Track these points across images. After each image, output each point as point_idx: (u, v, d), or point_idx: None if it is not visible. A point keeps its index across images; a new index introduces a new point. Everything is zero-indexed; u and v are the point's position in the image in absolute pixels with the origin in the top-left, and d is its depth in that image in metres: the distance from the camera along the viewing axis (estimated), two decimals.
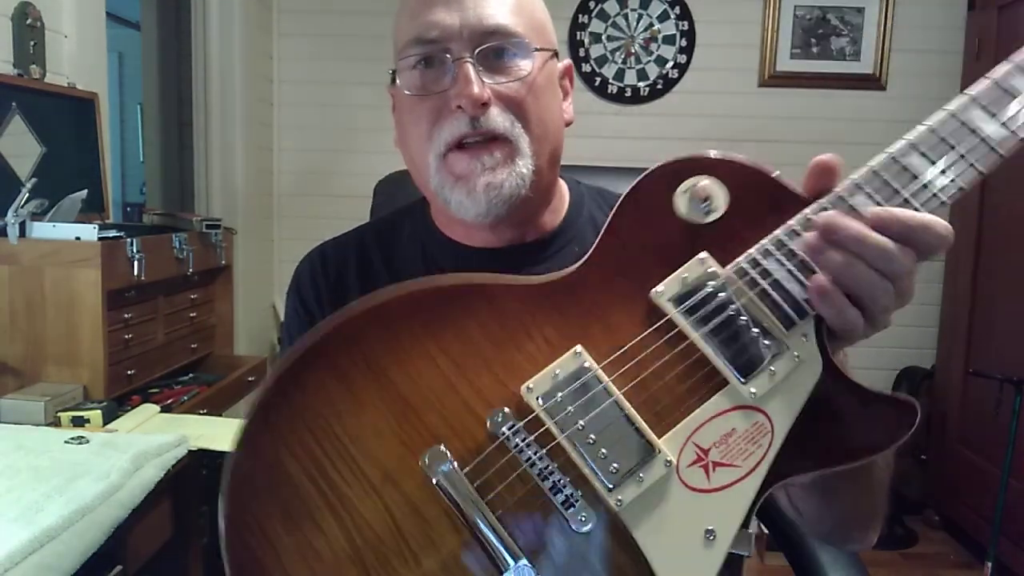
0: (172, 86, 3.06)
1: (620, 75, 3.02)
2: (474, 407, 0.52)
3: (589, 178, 0.95)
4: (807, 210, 0.55)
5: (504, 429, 0.51)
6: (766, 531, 0.95)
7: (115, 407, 1.50)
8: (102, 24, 2.03)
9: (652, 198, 0.58)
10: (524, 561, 0.49)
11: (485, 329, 0.55)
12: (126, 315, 1.61)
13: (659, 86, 3.01)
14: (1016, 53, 0.56)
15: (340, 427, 0.52)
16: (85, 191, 1.68)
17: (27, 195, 1.51)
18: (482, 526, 0.49)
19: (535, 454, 0.51)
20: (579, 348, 0.54)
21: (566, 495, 0.50)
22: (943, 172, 0.54)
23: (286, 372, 0.53)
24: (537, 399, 0.52)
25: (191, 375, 1.93)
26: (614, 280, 0.56)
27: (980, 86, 0.56)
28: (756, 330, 0.53)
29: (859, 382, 0.53)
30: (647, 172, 0.59)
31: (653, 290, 0.55)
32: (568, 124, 0.84)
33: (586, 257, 0.59)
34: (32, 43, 1.73)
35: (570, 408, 0.52)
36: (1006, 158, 0.55)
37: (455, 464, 0.51)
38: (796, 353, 0.52)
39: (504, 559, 0.49)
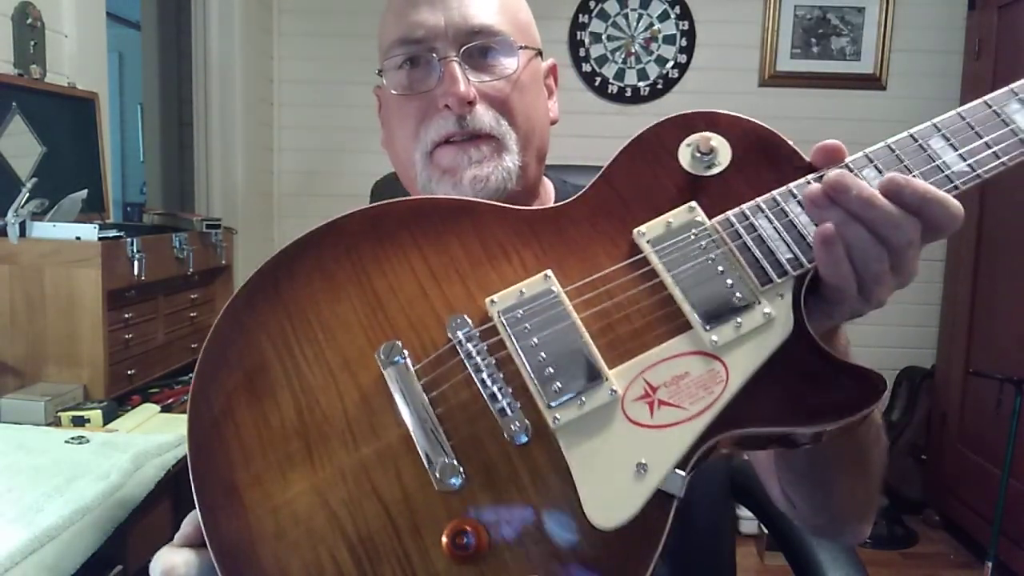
0: (172, 86, 3.06)
1: (620, 75, 3.02)
2: (438, 312, 0.54)
3: (589, 178, 0.94)
4: (810, 176, 0.55)
5: (459, 333, 0.53)
6: (766, 531, 0.95)
7: (115, 407, 1.50)
8: (102, 24, 2.03)
9: (655, 147, 0.60)
10: (453, 459, 0.49)
11: (466, 246, 0.57)
12: (126, 315, 1.61)
13: (659, 86, 3.01)
14: None
15: (315, 315, 0.54)
16: (85, 191, 1.68)
17: (27, 195, 1.51)
18: (417, 420, 0.50)
19: (483, 361, 0.52)
20: (549, 272, 0.55)
21: (504, 404, 0.50)
22: (962, 158, 0.54)
23: (279, 260, 0.57)
24: (498, 312, 0.53)
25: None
26: (600, 218, 0.58)
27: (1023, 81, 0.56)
28: (730, 281, 0.53)
29: (829, 349, 0.52)
30: (655, 122, 0.60)
31: (635, 230, 0.56)
32: (553, 123, 0.85)
33: (578, 194, 0.60)
34: (32, 43, 1.73)
35: (527, 325, 0.53)
36: None
37: (408, 360, 0.52)
38: (767, 310, 0.52)
39: (430, 455, 0.49)
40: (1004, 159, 0.54)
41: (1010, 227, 2.57)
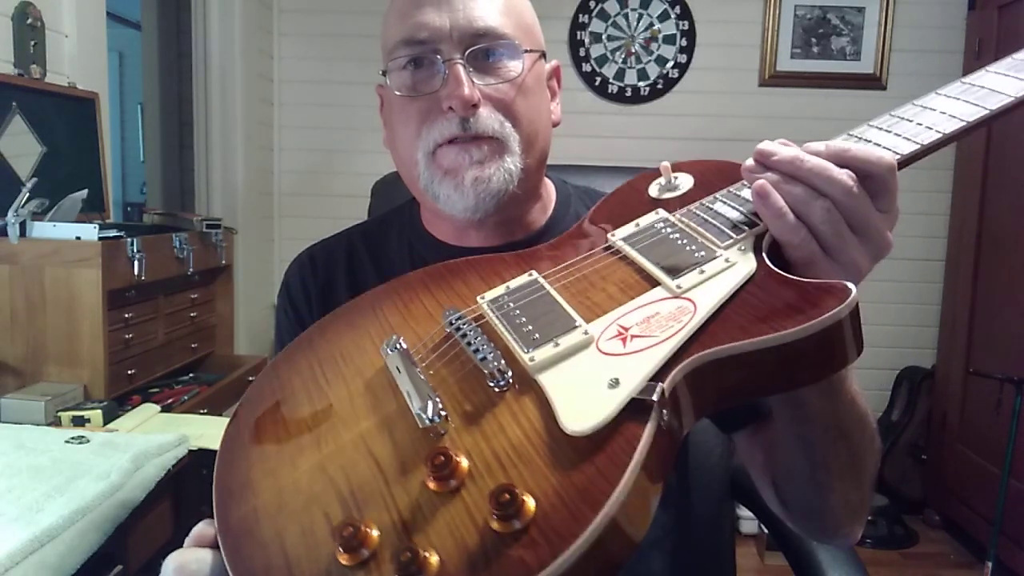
0: (172, 86, 3.06)
1: (620, 75, 3.02)
2: (435, 316, 0.61)
3: (589, 178, 0.95)
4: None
5: (452, 319, 0.58)
6: (766, 531, 0.96)
7: (115, 407, 1.50)
8: (102, 24, 2.03)
9: (628, 191, 0.69)
10: (440, 405, 0.50)
11: (468, 282, 0.64)
12: (126, 315, 1.61)
13: (659, 86, 3.02)
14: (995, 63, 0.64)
15: (339, 352, 0.61)
16: (85, 191, 1.68)
17: (27, 195, 1.51)
18: (411, 380, 0.53)
19: (471, 332, 0.56)
20: (533, 272, 0.62)
21: (486, 355, 0.53)
22: (897, 135, 0.60)
23: (317, 326, 0.65)
24: (487, 303, 0.60)
25: (191, 375, 1.93)
26: (582, 240, 0.66)
27: (950, 85, 0.64)
28: (693, 247, 0.58)
29: (797, 278, 0.52)
30: (626, 182, 0.70)
31: (608, 234, 0.64)
32: (555, 125, 0.85)
33: (569, 231, 0.69)
34: (32, 43, 1.73)
35: (511, 304, 0.58)
36: (971, 124, 0.59)
37: (404, 344, 0.57)
38: (727, 258, 0.55)
39: (419, 402, 0.51)
40: (936, 129, 0.59)
41: (1010, 227, 2.57)
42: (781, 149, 0.56)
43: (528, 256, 0.66)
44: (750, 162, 0.58)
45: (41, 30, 1.76)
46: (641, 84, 3.02)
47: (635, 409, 0.45)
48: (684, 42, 2.99)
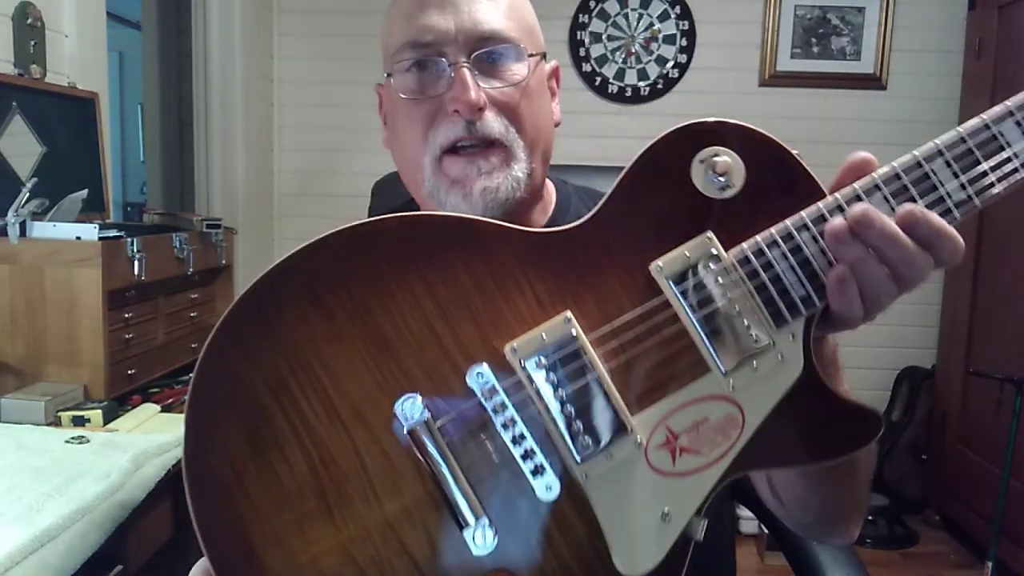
0: (172, 86, 3.06)
1: (620, 75, 3.02)
2: (455, 358, 0.52)
3: (589, 178, 0.95)
4: (821, 204, 0.54)
5: (483, 387, 0.51)
6: (766, 531, 0.96)
7: (115, 407, 1.50)
8: (102, 24, 2.03)
9: (666, 163, 0.56)
10: (485, 520, 0.49)
11: (475, 276, 0.53)
12: (126, 315, 1.61)
13: (659, 86, 3.02)
14: None
15: (316, 358, 0.51)
16: (85, 191, 1.68)
17: (27, 195, 1.51)
18: (449, 481, 0.49)
19: (510, 418, 0.51)
20: (569, 314, 0.53)
21: (536, 463, 0.50)
22: (963, 187, 0.54)
23: (261, 290, 0.51)
24: (520, 361, 0.51)
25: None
26: (614, 244, 0.55)
27: (1020, 98, 0.55)
28: (747, 322, 0.53)
29: (831, 387, 0.54)
30: (667, 131, 0.56)
31: (653, 263, 0.54)
32: (556, 125, 0.84)
33: (591, 214, 0.57)
34: (32, 43, 1.73)
35: (553, 377, 0.51)
36: None
37: (429, 415, 0.51)
38: (781, 352, 0.53)
39: (465, 516, 0.49)
40: (1000, 188, 0.54)
41: (1010, 227, 2.57)
42: (884, 223, 0.51)
43: (548, 260, 0.55)
44: (840, 223, 0.51)
45: (41, 30, 1.76)
46: (641, 84, 3.02)
47: (681, 541, 0.50)
48: (684, 42, 2.99)
